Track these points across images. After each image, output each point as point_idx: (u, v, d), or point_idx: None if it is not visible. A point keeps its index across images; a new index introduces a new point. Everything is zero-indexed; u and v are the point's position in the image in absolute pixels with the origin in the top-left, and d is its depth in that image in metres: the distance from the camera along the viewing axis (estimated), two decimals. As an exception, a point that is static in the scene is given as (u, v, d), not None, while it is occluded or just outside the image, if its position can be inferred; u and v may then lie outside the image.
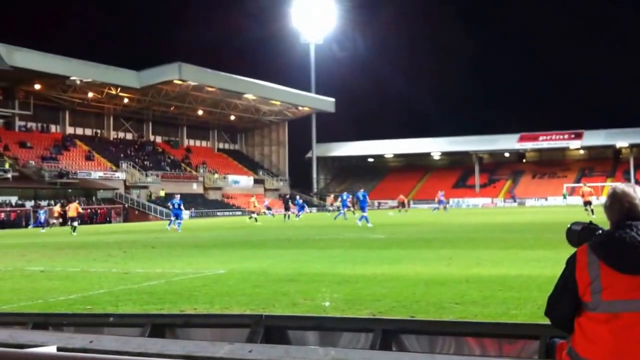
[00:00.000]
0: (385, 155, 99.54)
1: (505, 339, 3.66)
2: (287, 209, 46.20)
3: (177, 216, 32.36)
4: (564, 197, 69.98)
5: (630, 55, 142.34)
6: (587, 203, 33.99)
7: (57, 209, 44.60)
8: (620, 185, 2.99)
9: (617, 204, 2.89)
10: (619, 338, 2.59)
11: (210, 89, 70.26)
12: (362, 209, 31.05)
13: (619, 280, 2.66)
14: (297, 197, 59.08)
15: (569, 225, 3.04)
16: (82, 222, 43.97)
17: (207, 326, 4.59)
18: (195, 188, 73.61)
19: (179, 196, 34.48)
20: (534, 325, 3.74)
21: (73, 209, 35.24)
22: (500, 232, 22.43)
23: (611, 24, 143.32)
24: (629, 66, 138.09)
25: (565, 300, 2.83)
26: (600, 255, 2.73)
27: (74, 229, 33.68)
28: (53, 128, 69.39)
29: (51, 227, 41.40)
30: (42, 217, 42.18)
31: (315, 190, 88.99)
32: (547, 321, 3.00)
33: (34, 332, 4.58)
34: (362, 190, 32.67)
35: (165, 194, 65.08)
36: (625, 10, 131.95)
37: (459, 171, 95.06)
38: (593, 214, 30.49)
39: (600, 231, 2.90)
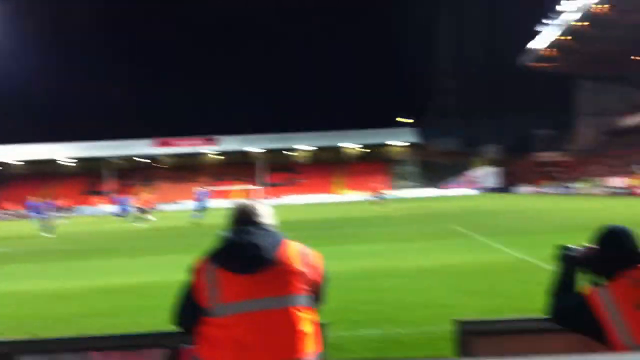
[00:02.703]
0: (6, 162, 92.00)
1: (132, 350, 3.63)
2: None
3: None
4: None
5: (265, 62, 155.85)
6: (142, 209, 34.94)
7: None
8: (242, 201, 3.25)
9: (234, 214, 3.15)
10: (239, 339, 2.73)
11: None
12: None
13: (235, 282, 2.81)
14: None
15: None
16: None
17: None
18: None
19: None
20: (161, 334, 3.77)
21: None
22: (132, 240, 22.39)
23: (258, 32, 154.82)
24: (265, 73, 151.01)
25: (188, 307, 2.92)
26: (215, 260, 2.88)
27: None
28: None
29: None
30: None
31: None
32: (176, 329, 3.04)
33: None
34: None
35: None
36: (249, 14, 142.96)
37: (91, 177, 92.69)
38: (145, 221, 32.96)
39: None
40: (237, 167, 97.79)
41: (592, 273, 3.16)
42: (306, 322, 2.86)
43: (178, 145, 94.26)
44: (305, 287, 2.91)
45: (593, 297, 2.90)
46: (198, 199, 31.79)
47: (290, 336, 2.79)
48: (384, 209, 39.22)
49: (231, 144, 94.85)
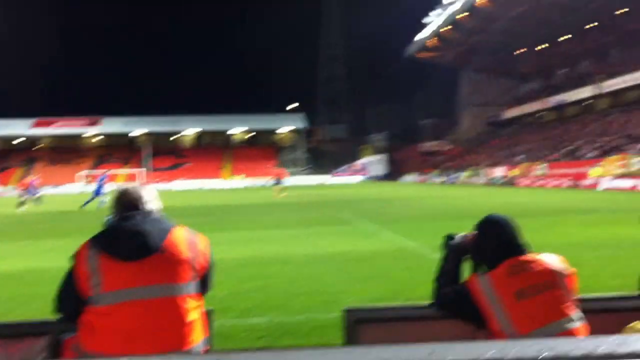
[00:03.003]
0: None
1: (12, 339, 3.48)
2: None
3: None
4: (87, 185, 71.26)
5: (145, 47, 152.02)
6: (23, 192, 33.18)
7: None
8: (126, 186, 3.17)
9: (120, 199, 3.06)
10: (123, 328, 2.67)
11: None
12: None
13: (119, 269, 2.74)
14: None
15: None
16: None
17: None
18: None
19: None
20: (42, 323, 3.63)
21: None
22: (9, 225, 21.37)
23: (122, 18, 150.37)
24: (145, 56, 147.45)
25: (70, 295, 2.81)
26: (98, 247, 2.79)
27: None
28: None
29: None
30: None
31: None
32: (57, 317, 2.94)
33: None
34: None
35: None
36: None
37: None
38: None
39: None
40: (121, 150, 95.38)
41: (474, 261, 3.26)
42: (193, 310, 2.83)
43: (59, 125, 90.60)
44: (192, 274, 2.87)
45: (473, 285, 3.00)
46: (97, 184, 30.64)
47: (177, 325, 2.75)
48: (277, 195, 39.13)
49: (114, 125, 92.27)
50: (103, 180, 30.43)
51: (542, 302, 2.89)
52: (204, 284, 3.00)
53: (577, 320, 2.92)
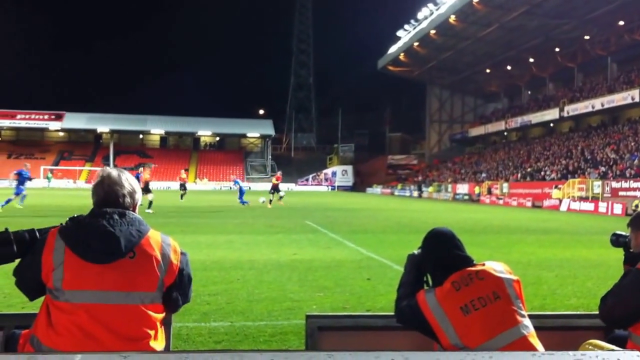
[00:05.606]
0: None
1: None
2: None
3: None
4: (48, 180, 70.23)
5: (109, 44, 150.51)
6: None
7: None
8: (109, 169, 2.96)
9: (99, 187, 2.88)
10: (82, 328, 2.60)
11: None
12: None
13: (84, 269, 2.64)
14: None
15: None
16: None
17: None
18: None
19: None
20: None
21: None
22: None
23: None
24: (109, 54, 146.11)
25: (29, 282, 2.75)
26: (66, 241, 2.68)
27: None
28: None
29: None
30: None
31: None
32: (14, 311, 2.86)
33: None
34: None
35: None
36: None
37: None
38: None
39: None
40: (84, 147, 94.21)
41: (430, 276, 3.27)
42: (154, 321, 2.75)
43: (21, 119, 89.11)
44: (159, 285, 2.76)
45: (421, 300, 3.02)
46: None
47: (135, 334, 2.68)
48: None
49: (78, 121, 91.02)
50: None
51: (490, 314, 2.90)
52: (169, 296, 2.84)
53: (527, 326, 2.96)
